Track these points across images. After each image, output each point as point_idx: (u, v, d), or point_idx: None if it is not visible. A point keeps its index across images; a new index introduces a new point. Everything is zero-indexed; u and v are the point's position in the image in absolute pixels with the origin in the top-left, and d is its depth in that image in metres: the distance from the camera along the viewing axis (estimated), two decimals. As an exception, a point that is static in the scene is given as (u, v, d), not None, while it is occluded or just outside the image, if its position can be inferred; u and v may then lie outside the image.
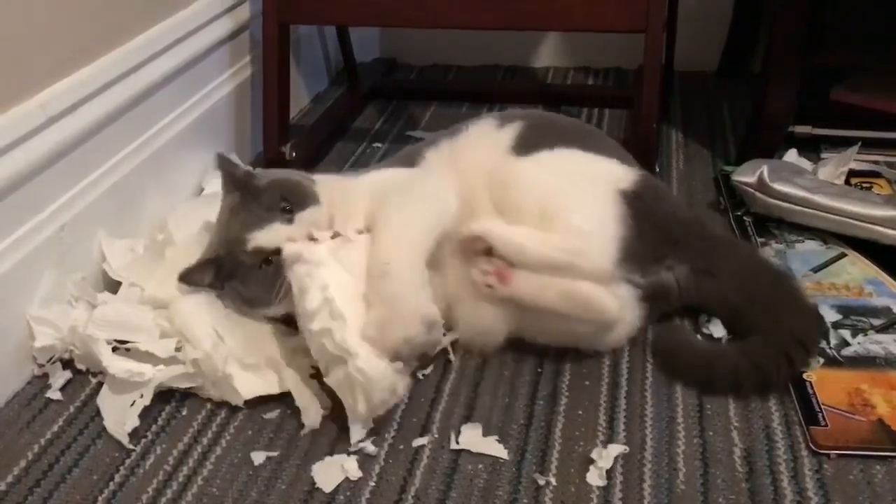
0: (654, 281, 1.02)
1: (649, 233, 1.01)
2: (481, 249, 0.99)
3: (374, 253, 0.94)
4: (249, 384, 0.96)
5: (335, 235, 0.98)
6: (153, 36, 1.29)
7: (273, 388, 0.97)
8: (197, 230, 1.14)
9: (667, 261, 1.03)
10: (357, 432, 0.91)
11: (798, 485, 0.85)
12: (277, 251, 0.97)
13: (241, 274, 1.00)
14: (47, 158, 1.05)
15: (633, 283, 1.00)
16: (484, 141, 1.11)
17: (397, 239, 0.95)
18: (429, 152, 1.13)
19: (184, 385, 0.98)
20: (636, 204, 1.01)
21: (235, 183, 1.03)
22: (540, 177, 1.02)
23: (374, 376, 0.88)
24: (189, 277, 1.01)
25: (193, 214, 1.23)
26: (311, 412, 0.94)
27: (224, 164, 1.05)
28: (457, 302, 1.03)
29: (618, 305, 0.97)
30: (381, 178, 1.08)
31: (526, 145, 1.07)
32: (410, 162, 1.13)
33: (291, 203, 0.99)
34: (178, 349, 0.99)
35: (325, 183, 1.05)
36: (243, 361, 0.97)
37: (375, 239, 0.96)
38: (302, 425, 0.94)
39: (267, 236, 0.97)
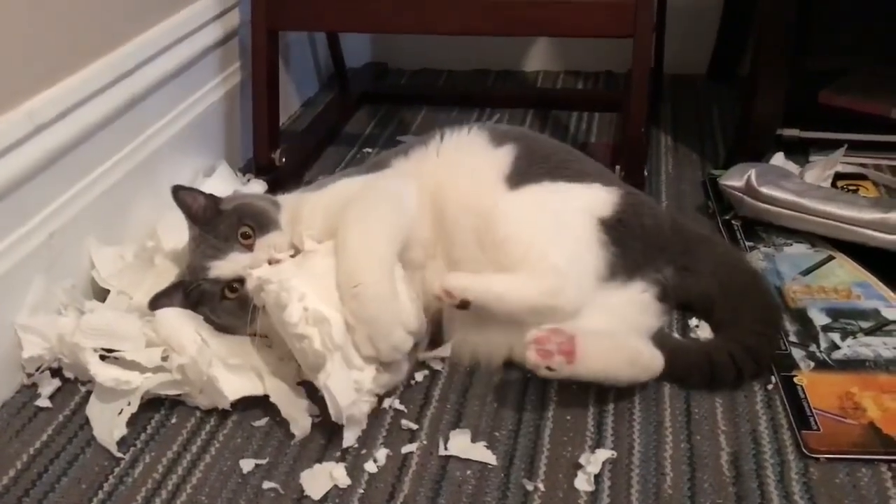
0: (655, 280, 1.06)
1: (636, 248, 1.04)
2: (455, 302, 0.97)
3: (341, 274, 0.94)
4: (234, 385, 0.96)
5: (296, 253, 0.99)
6: (142, 43, 1.29)
7: (258, 389, 0.98)
8: (186, 238, 1.14)
9: (658, 265, 1.07)
10: (353, 433, 0.92)
11: (785, 488, 0.85)
12: (240, 280, 0.98)
13: (208, 302, 1.01)
14: (36, 166, 1.05)
15: (648, 282, 1.05)
16: (478, 157, 1.09)
17: (360, 255, 0.95)
18: (396, 160, 1.14)
19: (171, 392, 0.98)
20: (618, 228, 1.03)
21: (192, 217, 1.05)
22: (524, 215, 1.02)
23: (359, 365, 0.91)
24: (157, 303, 1.02)
25: (183, 222, 1.23)
26: (300, 421, 0.95)
27: (179, 197, 1.05)
28: (450, 322, 1.04)
29: (659, 359, 0.97)
30: (338, 190, 1.09)
31: (518, 174, 1.06)
32: (377, 170, 1.14)
33: (253, 229, 1.01)
34: (164, 358, 0.99)
35: (287, 202, 1.07)
36: (227, 362, 0.97)
37: (339, 257, 0.95)
38: (291, 433, 0.94)
39: (226, 266, 0.99)
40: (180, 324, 0.99)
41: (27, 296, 1.03)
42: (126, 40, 1.26)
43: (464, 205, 1.05)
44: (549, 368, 0.90)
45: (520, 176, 1.06)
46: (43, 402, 1.00)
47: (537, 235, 1.00)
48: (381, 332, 0.92)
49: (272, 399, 0.96)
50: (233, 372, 0.97)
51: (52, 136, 1.08)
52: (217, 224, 1.02)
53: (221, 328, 1.01)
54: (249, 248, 1.00)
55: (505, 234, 1.00)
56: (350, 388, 0.91)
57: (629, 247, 1.03)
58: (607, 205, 1.05)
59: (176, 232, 1.17)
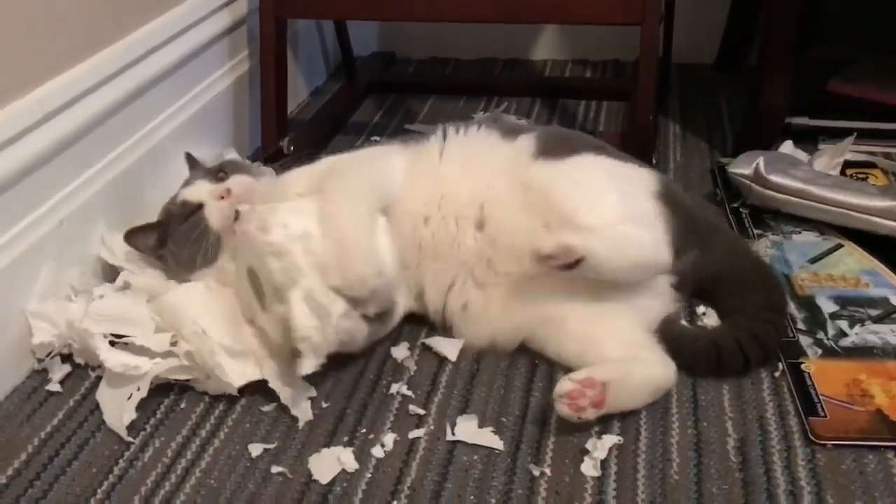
0: (680, 269, 1.06)
1: (680, 228, 1.04)
2: (555, 266, 0.94)
3: (321, 208, 0.98)
4: (240, 371, 0.97)
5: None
6: (151, 31, 1.29)
7: (261, 374, 0.98)
8: None
9: (687, 248, 1.06)
10: (310, 362, 0.92)
11: (791, 474, 0.85)
12: (201, 206, 1.06)
13: (171, 232, 1.08)
14: (45, 154, 1.06)
15: (670, 273, 1.04)
16: (494, 151, 1.07)
17: (340, 192, 1.00)
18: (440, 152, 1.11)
19: (180, 377, 0.99)
20: (670, 204, 1.03)
21: (192, 168, 1.19)
22: (584, 175, 1.02)
23: (325, 301, 0.93)
24: (133, 237, 1.10)
25: None
26: (300, 405, 0.95)
27: (190, 160, 1.21)
28: (462, 312, 1.04)
29: (673, 372, 0.96)
30: (325, 161, 1.12)
31: (552, 151, 1.05)
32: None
33: (226, 173, 1.10)
34: (173, 343, 0.99)
35: (291, 175, 1.11)
36: (231, 349, 0.98)
37: (322, 197, 1.00)
38: (298, 418, 0.95)
39: (192, 191, 1.09)
40: (179, 310, 1.00)
41: (37, 282, 1.04)
42: (135, 28, 1.27)
43: (498, 186, 1.04)
44: (579, 418, 0.89)
45: (557, 149, 1.04)
46: (53, 386, 1.01)
47: (611, 192, 1.00)
48: (350, 258, 0.94)
49: (270, 384, 0.97)
50: (236, 358, 0.98)
51: (62, 124, 1.09)
52: (206, 173, 1.13)
53: (178, 260, 1.07)
54: (220, 181, 1.09)
55: (575, 202, 0.98)
56: (313, 314, 0.92)
57: (680, 223, 1.03)
58: (654, 181, 1.05)
59: None
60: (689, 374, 0.99)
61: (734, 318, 1.04)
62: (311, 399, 0.97)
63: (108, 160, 1.19)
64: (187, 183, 1.13)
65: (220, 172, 1.10)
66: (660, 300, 1.03)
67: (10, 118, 1.01)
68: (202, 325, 0.98)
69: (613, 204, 0.99)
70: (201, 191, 1.08)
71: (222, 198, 1.06)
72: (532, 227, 1.00)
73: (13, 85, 1.03)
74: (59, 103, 1.08)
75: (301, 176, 1.08)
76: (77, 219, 1.11)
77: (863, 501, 0.82)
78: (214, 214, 1.06)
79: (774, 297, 1.06)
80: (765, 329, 1.00)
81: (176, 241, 1.07)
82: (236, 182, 1.08)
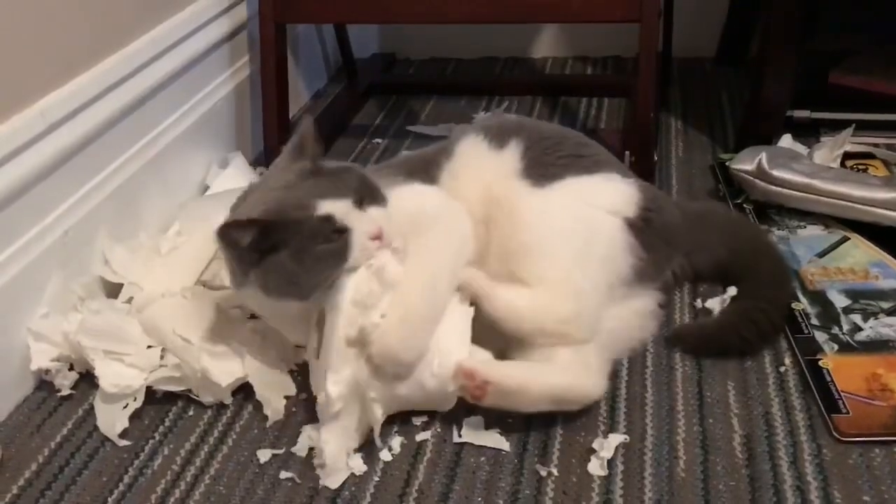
0: (666, 282, 1.09)
1: (659, 247, 1.04)
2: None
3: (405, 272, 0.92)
4: (226, 371, 0.98)
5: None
6: (151, 39, 1.30)
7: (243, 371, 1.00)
8: (208, 227, 1.16)
9: (674, 261, 1.09)
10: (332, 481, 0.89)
11: (797, 470, 0.85)
12: (344, 229, 0.89)
13: (295, 245, 0.88)
14: (49, 165, 1.06)
15: (651, 295, 1.05)
16: (481, 163, 1.06)
17: (424, 268, 0.93)
18: (443, 172, 1.07)
19: (174, 388, 1.00)
20: (645, 230, 1.02)
21: (313, 150, 0.95)
22: (549, 222, 0.99)
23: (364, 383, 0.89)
24: (228, 232, 0.89)
25: (202, 212, 1.25)
26: (273, 403, 0.96)
27: (307, 127, 0.95)
28: None
29: (600, 384, 0.94)
30: (417, 198, 1.01)
31: (535, 168, 1.03)
32: (426, 173, 1.06)
33: (363, 196, 0.92)
34: (162, 356, 1.01)
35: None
36: (214, 352, 0.98)
37: (408, 263, 0.92)
38: (310, 420, 0.95)
39: (338, 208, 0.88)
40: (161, 322, 1.01)
41: (44, 293, 1.05)
42: (136, 38, 1.27)
43: (481, 199, 1.02)
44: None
45: (537, 168, 1.03)
46: (64, 392, 1.02)
47: (563, 250, 0.97)
48: (402, 332, 0.88)
49: (249, 379, 0.98)
50: (219, 359, 0.98)
51: (65, 135, 1.09)
52: (336, 171, 0.94)
53: (287, 279, 0.89)
54: (361, 208, 0.91)
55: (529, 242, 0.98)
56: (342, 453, 0.89)
57: (656, 249, 1.03)
58: (631, 203, 1.03)
59: (195, 222, 1.21)
60: (696, 369, 0.99)
61: (745, 290, 1.08)
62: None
63: (112, 168, 1.19)
64: (320, 192, 0.90)
65: (359, 196, 0.91)
66: (648, 320, 1.05)
67: (14, 130, 1.02)
68: (184, 335, 0.99)
69: (565, 265, 0.97)
70: (347, 213, 0.89)
71: (375, 237, 0.90)
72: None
73: (16, 97, 1.04)
74: (61, 114, 1.09)
75: (397, 212, 0.96)
76: (82, 228, 1.11)
77: (870, 496, 0.82)
78: (360, 252, 0.89)
79: (777, 263, 1.09)
80: (775, 295, 1.04)
81: (302, 258, 0.88)
82: (383, 221, 0.91)
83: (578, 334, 0.94)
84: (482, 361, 0.91)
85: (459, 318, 0.92)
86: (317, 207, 0.88)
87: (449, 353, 0.90)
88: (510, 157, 1.05)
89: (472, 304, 0.94)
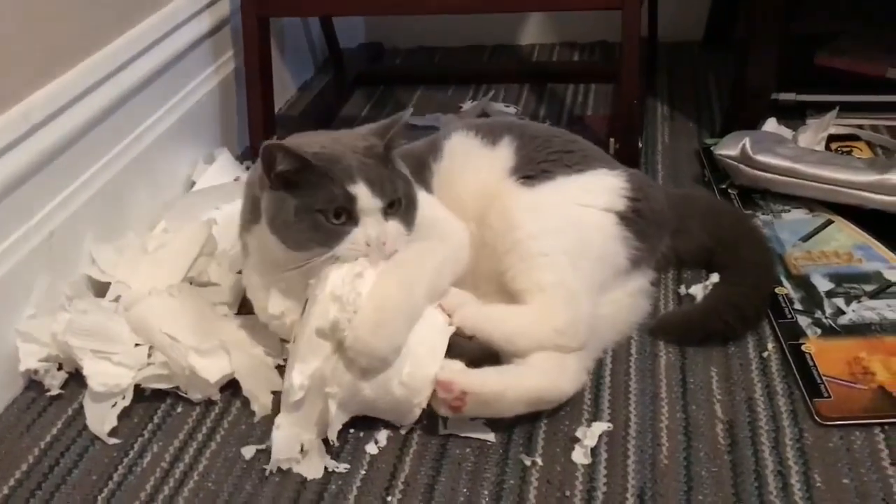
0: (657, 260, 1.10)
1: (651, 232, 1.06)
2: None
3: (385, 273, 0.91)
4: (214, 368, 0.99)
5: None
6: (133, 37, 1.30)
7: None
8: (194, 224, 1.18)
9: (663, 243, 1.10)
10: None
11: (779, 454, 0.86)
12: (353, 219, 0.89)
13: (308, 196, 0.89)
14: (33, 166, 1.07)
15: (645, 274, 1.07)
16: (473, 160, 1.06)
17: (404, 276, 0.92)
18: (433, 172, 1.07)
19: (162, 386, 1.00)
20: (637, 221, 1.03)
21: (392, 139, 0.93)
22: (541, 221, 0.99)
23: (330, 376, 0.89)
24: (271, 151, 0.88)
25: (190, 210, 1.26)
26: (261, 399, 0.97)
27: (400, 120, 0.94)
28: None
29: (577, 381, 0.94)
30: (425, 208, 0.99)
31: (527, 165, 1.04)
32: (418, 174, 1.03)
33: (397, 208, 0.91)
34: (150, 355, 1.01)
35: None
36: (200, 349, 0.99)
37: (391, 264, 0.92)
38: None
39: (368, 203, 0.88)
40: (149, 321, 1.02)
41: (30, 294, 1.05)
42: (117, 35, 1.27)
43: (476, 198, 1.03)
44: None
45: (529, 166, 1.03)
46: (53, 392, 1.02)
47: (557, 249, 0.97)
48: (376, 326, 0.87)
49: (236, 375, 0.99)
50: (207, 356, 0.99)
51: (48, 135, 1.10)
52: (393, 165, 0.94)
53: (285, 219, 0.90)
54: (388, 216, 0.91)
55: (522, 240, 0.98)
56: (294, 440, 0.89)
57: (649, 236, 1.05)
58: (621, 196, 1.04)
59: (183, 220, 1.23)
60: (680, 356, 1.00)
61: (724, 286, 1.08)
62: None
63: (96, 168, 1.19)
64: (368, 177, 0.88)
65: (393, 206, 0.91)
66: (644, 299, 1.07)
67: (-3, 132, 1.02)
68: (171, 333, 0.99)
69: (560, 265, 0.97)
70: (368, 211, 0.89)
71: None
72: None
73: (-2, 99, 1.04)
74: (44, 115, 1.09)
75: None
76: (68, 228, 1.11)
77: (849, 478, 0.83)
78: (350, 247, 0.89)
79: (759, 243, 1.11)
80: (758, 277, 1.06)
81: (304, 212, 0.88)
82: (393, 240, 0.91)
83: (574, 343, 0.94)
84: (457, 371, 0.90)
85: (437, 333, 0.92)
86: (353, 185, 0.88)
87: (420, 365, 0.90)
88: (503, 153, 1.05)
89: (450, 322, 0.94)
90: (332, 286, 0.88)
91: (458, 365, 0.91)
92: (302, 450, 0.90)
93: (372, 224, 0.89)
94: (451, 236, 1.00)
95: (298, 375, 0.88)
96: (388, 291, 0.89)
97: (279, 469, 0.89)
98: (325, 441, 0.91)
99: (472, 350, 0.94)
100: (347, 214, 0.89)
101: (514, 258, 0.98)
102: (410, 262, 0.93)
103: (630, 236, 1.02)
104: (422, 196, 0.98)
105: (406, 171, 0.97)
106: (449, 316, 0.94)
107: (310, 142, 0.93)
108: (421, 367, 0.90)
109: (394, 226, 0.91)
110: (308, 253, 0.90)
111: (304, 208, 0.89)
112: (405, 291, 0.91)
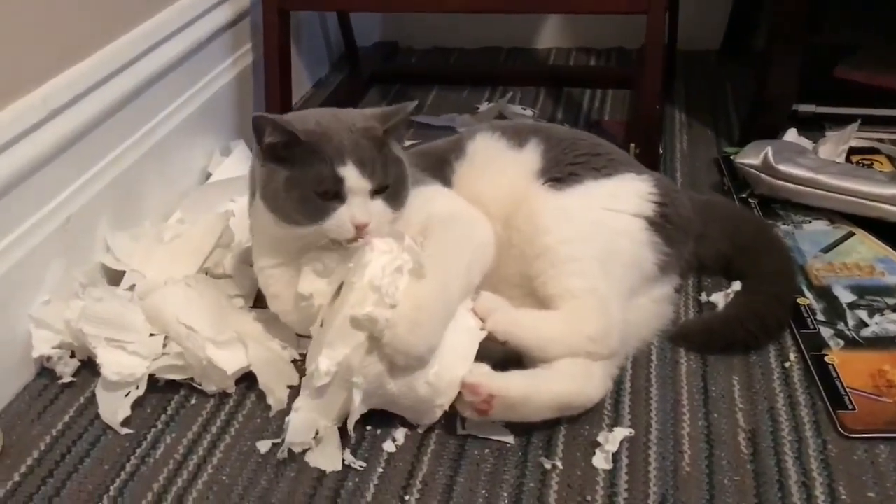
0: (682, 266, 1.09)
1: (679, 237, 1.05)
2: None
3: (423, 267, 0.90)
4: (231, 360, 0.97)
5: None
6: (153, 26, 1.29)
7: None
8: (211, 215, 1.17)
9: (688, 248, 1.09)
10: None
11: (802, 465, 0.85)
12: (339, 198, 0.90)
13: (298, 173, 0.90)
14: (51, 151, 1.06)
15: (671, 280, 1.07)
16: (500, 162, 1.05)
17: (440, 268, 0.91)
18: (455, 171, 1.06)
19: (176, 377, 0.99)
20: (665, 226, 1.02)
21: (393, 126, 0.94)
22: (571, 226, 0.98)
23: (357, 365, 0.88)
24: (261, 123, 0.90)
25: (205, 201, 1.25)
26: (276, 393, 0.96)
27: (407, 110, 0.96)
28: None
29: (603, 387, 0.93)
30: (443, 199, 1.01)
31: (554, 168, 1.03)
32: (439, 172, 1.05)
33: (386, 190, 0.92)
34: (165, 345, 1.00)
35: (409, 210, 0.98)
36: (218, 341, 0.98)
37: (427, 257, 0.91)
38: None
39: (356, 183, 0.89)
40: (165, 310, 1.00)
41: (45, 280, 1.04)
42: (138, 24, 1.26)
43: (503, 200, 1.01)
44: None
45: (557, 168, 1.02)
46: (66, 380, 1.01)
47: (587, 255, 0.96)
48: (414, 324, 0.86)
49: (252, 368, 0.97)
50: (224, 348, 0.98)
51: (67, 121, 1.09)
52: (389, 150, 0.93)
53: (275, 195, 0.91)
54: (376, 195, 0.91)
55: (552, 245, 0.96)
56: (310, 425, 0.88)
57: (676, 241, 1.04)
58: (649, 201, 1.03)
59: (198, 210, 1.22)
60: (701, 364, 0.99)
61: (746, 295, 1.07)
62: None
63: (113, 156, 1.18)
64: (359, 157, 0.89)
65: (382, 188, 0.92)
66: (667, 305, 1.06)
67: (15, 117, 1.01)
68: (188, 323, 0.98)
69: (590, 271, 0.96)
70: (356, 191, 0.89)
71: (357, 227, 0.90)
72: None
73: (17, 84, 1.03)
74: (63, 101, 1.08)
75: (419, 211, 0.97)
76: (84, 215, 1.10)
77: (875, 492, 0.82)
78: (336, 226, 0.90)
79: (781, 252, 1.10)
80: (779, 287, 1.05)
81: (292, 188, 0.90)
82: (377, 219, 0.91)
83: (606, 351, 0.93)
84: (484, 374, 0.89)
85: (468, 336, 0.91)
86: (342, 165, 0.89)
87: (449, 366, 0.89)
88: (530, 156, 1.04)
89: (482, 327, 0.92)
90: (371, 275, 0.87)
91: (485, 368, 0.90)
92: (316, 436, 0.89)
93: (357, 204, 0.90)
94: (474, 230, 0.98)
95: (325, 361, 0.86)
96: (425, 290, 0.88)
97: (295, 464, 0.88)
98: (341, 432, 0.90)
99: (497, 353, 0.93)
100: (335, 192, 0.90)
101: (545, 263, 0.96)
102: (445, 262, 0.92)
103: (659, 242, 1.01)
104: (442, 190, 0.97)
105: (404, 156, 0.97)
106: (482, 320, 0.92)
107: (307, 117, 0.94)
108: (449, 369, 0.88)
109: (378, 205, 0.92)
110: (297, 228, 0.91)
111: (293, 183, 0.90)
112: (441, 290, 0.90)
